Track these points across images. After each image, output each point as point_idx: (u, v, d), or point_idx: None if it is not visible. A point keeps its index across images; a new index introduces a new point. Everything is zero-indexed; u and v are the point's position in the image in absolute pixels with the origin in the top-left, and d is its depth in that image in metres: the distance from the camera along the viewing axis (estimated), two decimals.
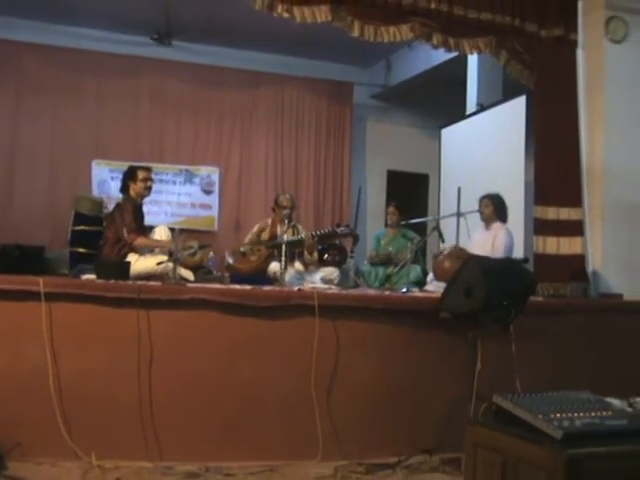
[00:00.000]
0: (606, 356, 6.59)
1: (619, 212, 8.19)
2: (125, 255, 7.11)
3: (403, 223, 9.27)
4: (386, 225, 9.68)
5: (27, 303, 5.25)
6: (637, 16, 8.43)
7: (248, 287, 6.42)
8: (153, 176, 7.76)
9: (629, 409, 3.86)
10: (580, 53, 8.31)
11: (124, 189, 7.54)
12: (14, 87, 11.39)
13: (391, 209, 9.57)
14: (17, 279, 5.51)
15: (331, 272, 8.35)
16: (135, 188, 7.45)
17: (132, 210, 7.31)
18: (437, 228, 8.29)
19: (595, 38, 8.34)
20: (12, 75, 11.34)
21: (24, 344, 5.27)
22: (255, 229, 8.79)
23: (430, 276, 8.17)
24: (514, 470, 3.46)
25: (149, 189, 7.56)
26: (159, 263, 6.82)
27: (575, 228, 8.07)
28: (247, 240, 8.73)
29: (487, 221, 8.21)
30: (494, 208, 8.17)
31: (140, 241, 7.23)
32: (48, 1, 10.46)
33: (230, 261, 8.45)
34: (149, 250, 7.31)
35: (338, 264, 8.53)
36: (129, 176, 7.52)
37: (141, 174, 7.49)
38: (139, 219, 7.43)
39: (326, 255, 8.43)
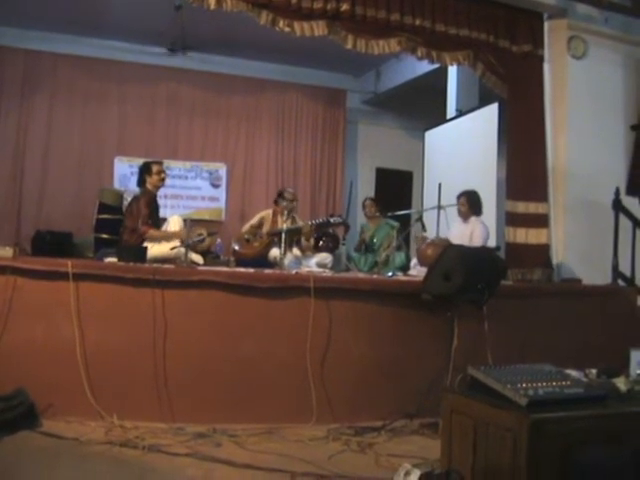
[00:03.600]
0: (566, 333, 6.62)
1: (579, 208, 8.28)
2: (142, 241, 7.11)
3: (389, 214, 9.26)
4: (367, 218, 9.65)
5: (57, 282, 5.30)
6: (594, 36, 8.56)
7: (251, 270, 6.45)
8: (166, 169, 7.76)
9: (585, 379, 3.90)
10: (546, 67, 8.40)
11: (141, 182, 7.54)
12: (49, 92, 11.42)
13: (368, 202, 9.55)
14: (49, 261, 5.55)
15: (325, 257, 8.36)
16: (151, 181, 7.42)
17: (147, 203, 7.28)
18: (420, 219, 8.29)
19: (559, 54, 8.43)
20: (48, 82, 11.38)
21: (55, 318, 5.31)
22: (255, 220, 8.78)
23: (414, 261, 8.19)
24: (485, 433, 3.48)
25: (163, 180, 7.53)
26: (172, 248, 6.82)
27: (541, 221, 8.12)
28: (245, 229, 8.75)
29: (464, 216, 8.19)
30: (469, 206, 8.11)
31: (151, 233, 7.20)
32: (79, 16, 10.45)
33: (235, 247, 8.47)
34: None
35: (331, 250, 8.54)
36: (145, 170, 7.49)
37: (155, 168, 7.47)
38: (154, 211, 7.42)
39: (321, 242, 8.44)
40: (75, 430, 4.94)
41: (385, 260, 8.65)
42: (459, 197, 8.19)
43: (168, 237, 7.26)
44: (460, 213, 8.17)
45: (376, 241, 9.26)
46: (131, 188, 9.80)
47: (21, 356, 5.20)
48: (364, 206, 9.60)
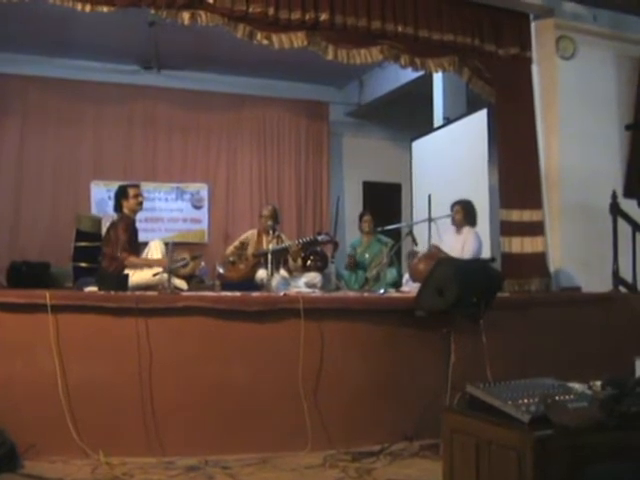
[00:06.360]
0: (568, 344, 6.63)
1: (575, 213, 8.29)
2: (123, 268, 7.07)
3: (379, 230, 9.27)
4: (361, 232, 9.65)
5: (35, 315, 5.26)
6: (584, 35, 8.60)
7: (238, 294, 6.44)
8: (143, 192, 7.76)
9: (589, 392, 3.88)
10: (535, 69, 8.43)
11: (118, 207, 7.52)
12: (20, 116, 11.40)
13: (367, 217, 9.55)
14: (25, 293, 5.51)
15: (314, 277, 8.33)
16: (128, 205, 7.40)
17: (125, 228, 7.25)
18: (410, 233, 8.30)
19: (547, 55, 8.47)
20: (18, 106, 11.36)
21: (34, 352, 5.27)
22: (238, 242, 8.77)
23: (406, 277, 8.18)
24: (487, 452, 3.47)
25: (140, 204, 7.52)
26: (155, 274, 6.80)
27: (537, 228, 8.14)
28: (229, 251, 8.73)
29: (458, 226, 8.18)
30: (464, 214, 8.13)
31: (131, 260, 7.17)
32: (48, 37, 10.45)
33: (220, 270, 8.44)
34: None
35: (320, 269, 8.50)
36: (121, 194, 7.47)
37: (132, 191, 7.46)
38: (132, 237, 7.38)
39: (309, 261, 8.42)
40: (59, 470, 4.90)
41: (376, 277, 8.65)
42: (453, 206, 8.20)
43: (149, 264, 7.23)
44: (454, 222, 8.17)
45: (368, 257, 9.26)
46: (109, 213, 9.77)
47: None
48: (362, 221, 9.59)
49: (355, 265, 9.29)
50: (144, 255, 7.45)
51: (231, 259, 8.50)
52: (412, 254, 7.97)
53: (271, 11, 7.04)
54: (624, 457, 3.32)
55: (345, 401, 5.84)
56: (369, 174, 13.96)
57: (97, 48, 11.03)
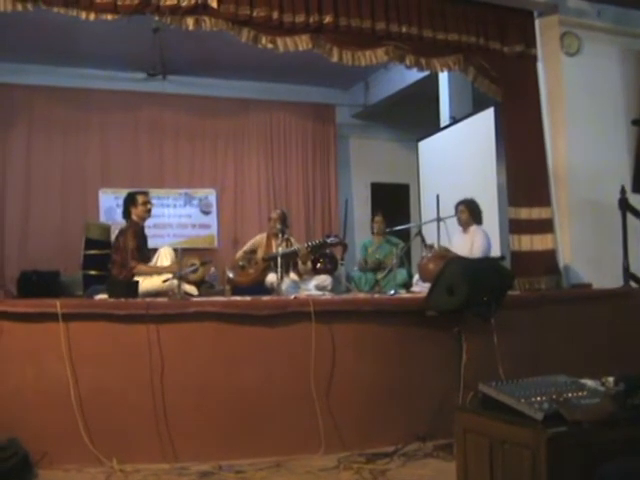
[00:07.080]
0: (579, 341, 6.60)
1: (584, 209, 8.28)
2: (133, 275, 7.08)
3: (388, 230, 9.28)
4: (372, 233, 9.67)
5: (46, 323, 5.25)
6: (588, 31, 8.59)
7: (248, 298, 6.43)
8: (151, 200, 7.76)
9: (601, 388, 3.87)
10: (540, 66, 8.42)
11: (126, 215, 7.53)
12: (26, 126, 11.46)
13: (378, 218, 9.57)
14: (36, 302, 5.52)
15: (324, 279, 8.33)
16: (137, 212, 7.41)
17: (134, 236, 7.25)
18: (419, 233, 8.30)
19: (552, 52, 8.46)
20: (24, 115, 11.43)
21: (46, 361, 5.27)
22: (248, 246, 8.78)
23: (416, 277, 8.18)
24: (501, 451, 3.46)
25: (149, 211, 7.53)
26: (165, 281, 6.80)
27: (546, 226, 8.12)
28: (238, 255, 8.74)
29: (464, 225, 8.20)
30: (469, 213, 8.16)
31: (140, 268, 7.17)
32: (52, 46, 10.48)
33: (230, 275, 8.45)
34: None
35: (330, 272, 8.50)
36: (130, 202, 7.48)
37: (141, 198, 7.46)
38: (142, 243, 7.40)
39: (318, 264, 8.41)
40: (73, 478, 4.91)
41: (386, 275, 8.65)
42: (457, 206, 8.21)
43: (158, 271, 7.23)
44: (460, 222, 8.19)
45: (378, 258, 9.26)
46: (118, 221, 9.79)
47: (11, 404, 5.14)
48: (374, 222, 9.61)
49: (366, 265, 9.30)
50: (154, 261, 7.43)
51: (241, 264, 8.51)
52: (427, 247, 7.97)
53: (275, 15, 7.04)
54: (638, 454, 3.31)
55: (358, 402, 5.82)
56: (377, 175, 13.97)
57: (102, 56, 11.06)
